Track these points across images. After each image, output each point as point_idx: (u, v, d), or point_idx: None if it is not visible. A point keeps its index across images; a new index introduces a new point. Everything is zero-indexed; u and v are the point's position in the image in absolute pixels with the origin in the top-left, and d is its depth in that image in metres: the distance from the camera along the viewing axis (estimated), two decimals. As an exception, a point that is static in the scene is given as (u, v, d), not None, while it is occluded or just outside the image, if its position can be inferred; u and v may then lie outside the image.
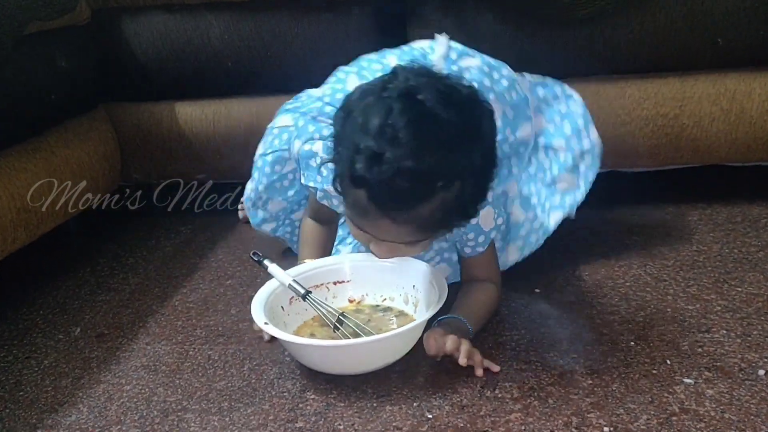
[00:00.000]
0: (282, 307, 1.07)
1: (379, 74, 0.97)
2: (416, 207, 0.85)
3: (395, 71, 0.88)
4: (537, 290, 1.18)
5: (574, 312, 1.10)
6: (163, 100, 1.57)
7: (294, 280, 1.06)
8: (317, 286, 1.12)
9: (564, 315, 1.10)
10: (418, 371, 0.98)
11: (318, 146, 1.05)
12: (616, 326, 1.05)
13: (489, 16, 1.33)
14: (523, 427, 0.86)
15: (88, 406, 0.98)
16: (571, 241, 1.35)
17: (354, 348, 0.96)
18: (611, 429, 0.84)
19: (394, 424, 0.89)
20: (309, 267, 1.13)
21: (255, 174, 1.25)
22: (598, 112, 1.37)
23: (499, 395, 0.92)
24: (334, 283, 1.14)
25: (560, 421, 0.86)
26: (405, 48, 1.15)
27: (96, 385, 1.03)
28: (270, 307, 1.04)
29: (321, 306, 1.05)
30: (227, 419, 0.92)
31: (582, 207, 1.50)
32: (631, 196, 1.53)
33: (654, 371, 0.94)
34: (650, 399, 0.89)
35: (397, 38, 1.44)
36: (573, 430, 0.85)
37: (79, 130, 1.47)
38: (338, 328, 1.04)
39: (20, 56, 1.26)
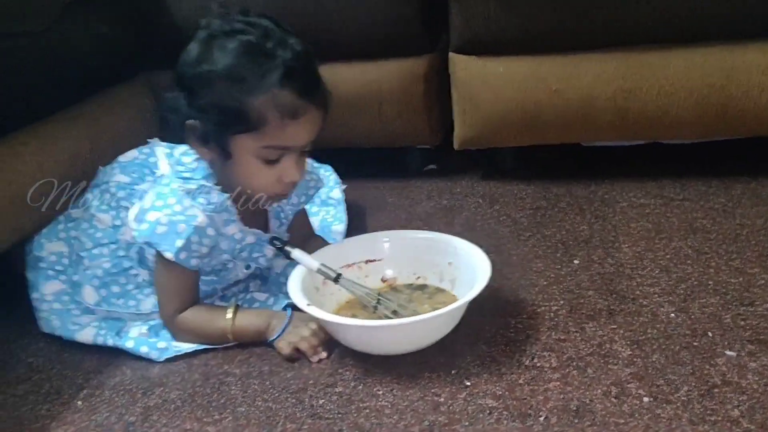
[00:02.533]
0: (316, 288, 1.04)
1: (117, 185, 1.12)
2: (321, 83, 0.96)
3: (200, 25, 0.95)
4: (576, 261, 1.17)
5: (613, 283, 1.09)
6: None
7: (323, 264, 1.02)
8: (349, 266, 1.10)
9: (603, 286, 1.09)
10: (456, 340, 0.98)
11: (155, 216, 0.97)
12: (656, 298, 1.04)
13: (528, -15, 1.31)
14: (561, 396, 0.85)
15: (131, 368, 1.00)
16: (611, 212, 1.33)
17: (399, 328, 0.94)
18: (651, 399, 0.83)
19: (432, 390, 0.89)
20: (340, 246, 1.12)
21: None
22: (641, 82, 1.34)
23: (538, 364, 0.92)
24: (366, 262, 1.12)
25: (599, 391, 0.86)
26: (123, 161, 1.17)
27: (136, 356, 1.03)
28: (305, 288, 1.01)
29: (356, 287, 1.04)
30: (267, 383, 0.94)
31: (622, 178, 1.48)
32: (673, 168, 1.50)
33: (695, 343, 0.93)
34: (691, 370, 0.88)
35: (437, 10, 1.43)
36: (612, 399, 0.84)
37: (120, 98, 1.48)
38: (377, 309, 1.03)
39: (62, 24, 1.27)
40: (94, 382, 0.98)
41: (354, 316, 1.04)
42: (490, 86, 1.40)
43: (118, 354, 1.03)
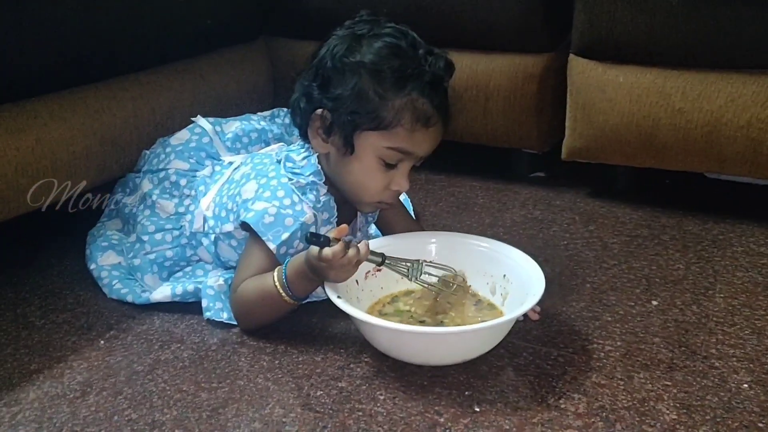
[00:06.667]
0: (357, 281, 0.98)
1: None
2: (447, 97, 0.95)
3: (345, 25, 0.96)
4: (654, 302, 1.04)
5: (687, 334, 0.95)
6: (321, 40, 1.56)
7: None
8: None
9: (674, 335, 0.95)
10: (484, 360, 0.90)
11: (263, 206, 0.95)
12: (733, 362, 0.89)
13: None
14: (572, 448, 0.75)
15: (161, 319, 1.01)
16: (719, 255, 1.17)
17: (434, 337, 0.88)
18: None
19: (436, 408, 0.82)
20: (390, 243, 1.03)
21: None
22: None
23: (562, 406, 0.81)
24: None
25: (619, 453, 0.74)
26: (176, 145, 1.16)
27: (171, 305, 1.04)
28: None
29: (399, 264, 0.96)
30: (276, 362, 0.91)
31: (744, 220, 1.30)
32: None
33: (761, 424, 0.78)
34: (740, 454, 0.74)
35: (563, 8, 1.32)
36: (632, 466, 0.73)
37: (233, 59, 1.50)
38: (416, 278, 0.96)
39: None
40: (123, 325, 1.00)
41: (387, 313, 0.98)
42: (606, 95, 1.28)
43: (149, 309, 1.04)
